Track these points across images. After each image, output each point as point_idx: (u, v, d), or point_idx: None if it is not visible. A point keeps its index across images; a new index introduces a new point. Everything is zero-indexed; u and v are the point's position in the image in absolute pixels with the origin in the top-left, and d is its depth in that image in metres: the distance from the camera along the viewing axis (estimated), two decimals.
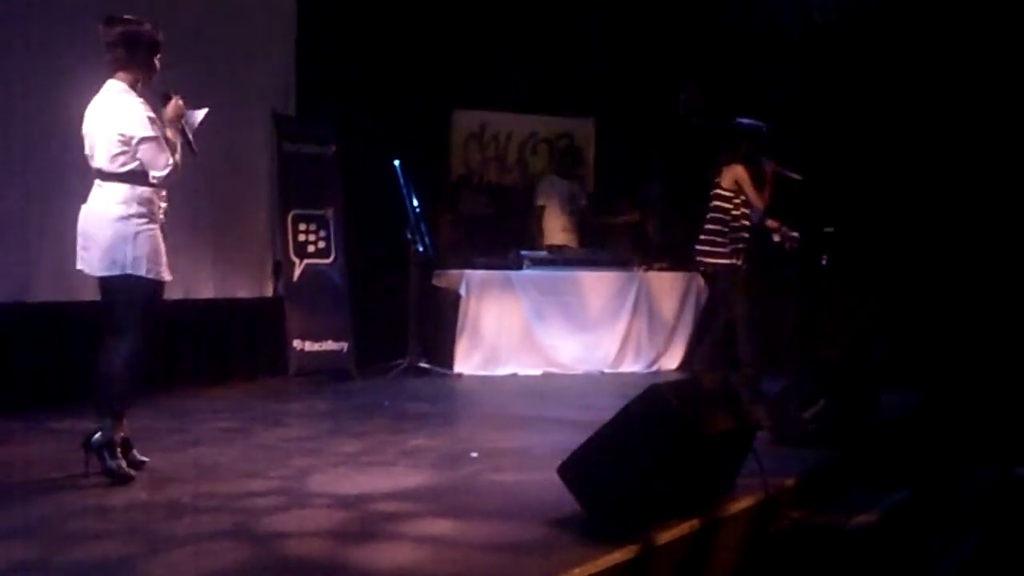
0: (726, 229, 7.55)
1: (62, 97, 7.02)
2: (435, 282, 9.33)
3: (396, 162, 8.70)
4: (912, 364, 7.85)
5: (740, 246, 7.56)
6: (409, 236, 8.81)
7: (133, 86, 5.01)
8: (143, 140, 4.89)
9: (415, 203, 8.75)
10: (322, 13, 9.05)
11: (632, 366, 9.39)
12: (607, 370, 9.29)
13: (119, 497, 4.59)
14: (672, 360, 9.51)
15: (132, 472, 4.89)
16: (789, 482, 5.07)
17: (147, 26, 5.02)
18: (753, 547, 4.61)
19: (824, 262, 8.58)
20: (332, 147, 8.91)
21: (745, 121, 7.67)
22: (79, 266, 5.05)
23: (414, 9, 9.53)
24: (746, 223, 7.59)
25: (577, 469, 4.34)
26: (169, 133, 5.01)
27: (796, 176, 7.60)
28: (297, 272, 8.63)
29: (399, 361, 8.87)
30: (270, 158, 8.79)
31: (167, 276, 5.01)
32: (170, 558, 3.75)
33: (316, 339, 8.61)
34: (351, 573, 3.67)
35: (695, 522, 4.23)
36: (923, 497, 5.64)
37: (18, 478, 4.96)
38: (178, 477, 4.96)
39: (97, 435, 4.85)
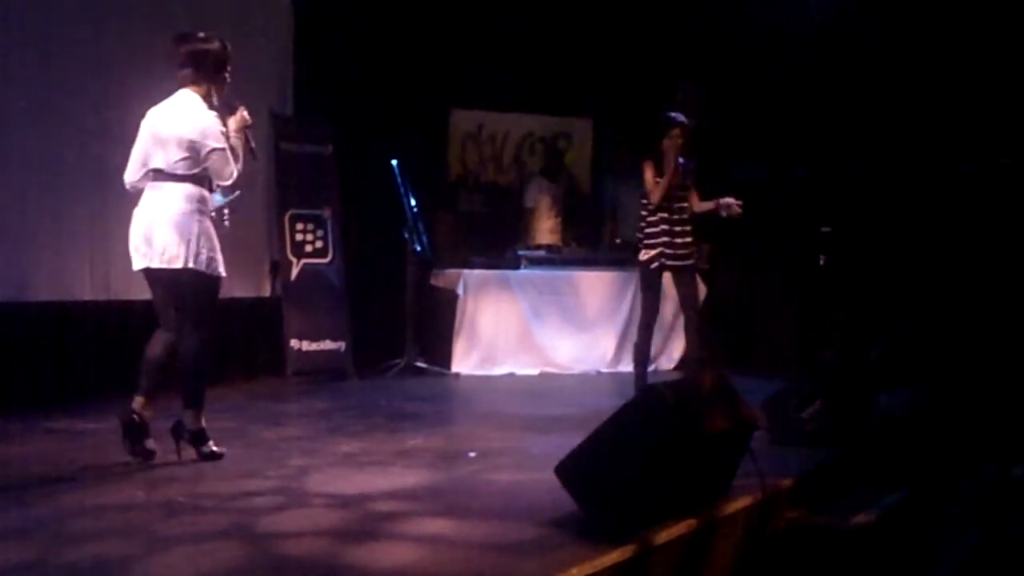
0: (643, 224, 7.48)
1: (62, 97, 7.07)
2: (432, 282, 9.34)
3: (393, 162, 8.71)
4: (910, 364, 7.85)
5: (649, 241, 7.40)
6: (406, 236, 8.82)
7: (206, 98, 5.22)
8: (214, 151, 5.12)
9: (412, 203, 8.76)
10: (319, 13, 9.05)
11: (629, 366, 9.34)
12: (604, 370, 9.30)
13: (117, 497, 4.59)
14: (669, 360, 9.51)
15: (224, 451, 5.33)
16: (786, 482, 5.07)
17: (215, 44, 5.25)
18: (750, 547, 4.61)
19: (822, 262, 8.59)
20: (329, 147, 8.92)
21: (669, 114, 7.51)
22: (138, 266, 5.24)
23: (411, 9, 9.54)
24: (664, 216, 7.34)
25: (574, 469, 4.34)
26: (233, 142, 5.22)
27: (682, 160, 7.43)
28: (295, 272, 8.63)
29: (396, 361, 8.88)
30: (267, 158, 8.77)
31: (223, 271, 5.32)
32: (168, 558, 3.75)
33: (314, 339, 8.61)
34: (349, 573, 3.67)
35: (692, 522, 4.23)
36: (920, 497, 5.64)
37: (16, 478, 4.95)
38: (176, 477, 4.97)
39: (185, 426, 5.24)
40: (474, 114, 10.69)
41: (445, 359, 8.97)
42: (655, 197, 7.32)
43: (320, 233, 8.78)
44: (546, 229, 10.00)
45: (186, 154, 5.12)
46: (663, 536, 4.05)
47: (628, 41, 10.28)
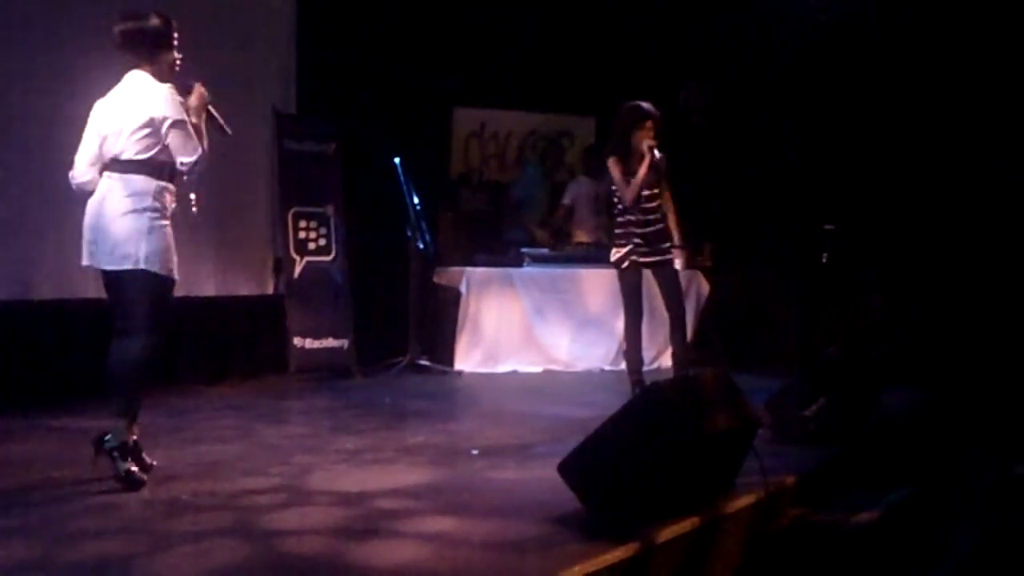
0: (616, 222, 7.21)
1: (62, 94, 7.04)
2: (435, 279, 9.34)
3: (396, 160, 8.70)
4: (912, 362, 7.85)
5: (619, 240, 7.09)
6: (409, 234, 8.82)
7: (157, 78, 4.84)
8: (175, 123, 4.71)
9: (415, 200, 8.76)
10: (323, 11, 9.06)
11: None
12: (607, 367, 9.27)
13: (120, 495, 4.58)
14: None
15: (144, 477, 4.72)
16: (789, 480, 5.07)
17: (150, 20, 4.82)
18: (753, 545, 4.61)
19: (824, 260, 8.58)
20: (333, 145, 8.91)
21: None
22: (85, 262, 4.86)
23: (414, 7, 9.54)
24: (633, 215, 7.01)
25: (578, 466, 4.34)
26: (195, 121, 4.83)
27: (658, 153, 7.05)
28: (298, 269, 8.63)
29: (400, 358, 8.87)
30: (271, 156, 8.79)
31: (176, 275, 4.84)
32: (171, 556, 3.75)
33: (317, 337, 8.61)
34: (351, 570, 3.67)
35: (695, 520, 4.23)
36: (923, 495, 5.64)
37: (19, 476, 4.95)
38: (179, 475, 4.96)
39: (109, 437, 4.67)
40: (477, 112, 10.69)
41: (448, 357, 8.97)
42: (629, 196, 6.95)
43: (323, 231, 8.77)
44: (589, 227, 9.98)
45: (145, 132, 4.69)
46: (666, 534, 4.05)
47: (631, 39, 10.27)
